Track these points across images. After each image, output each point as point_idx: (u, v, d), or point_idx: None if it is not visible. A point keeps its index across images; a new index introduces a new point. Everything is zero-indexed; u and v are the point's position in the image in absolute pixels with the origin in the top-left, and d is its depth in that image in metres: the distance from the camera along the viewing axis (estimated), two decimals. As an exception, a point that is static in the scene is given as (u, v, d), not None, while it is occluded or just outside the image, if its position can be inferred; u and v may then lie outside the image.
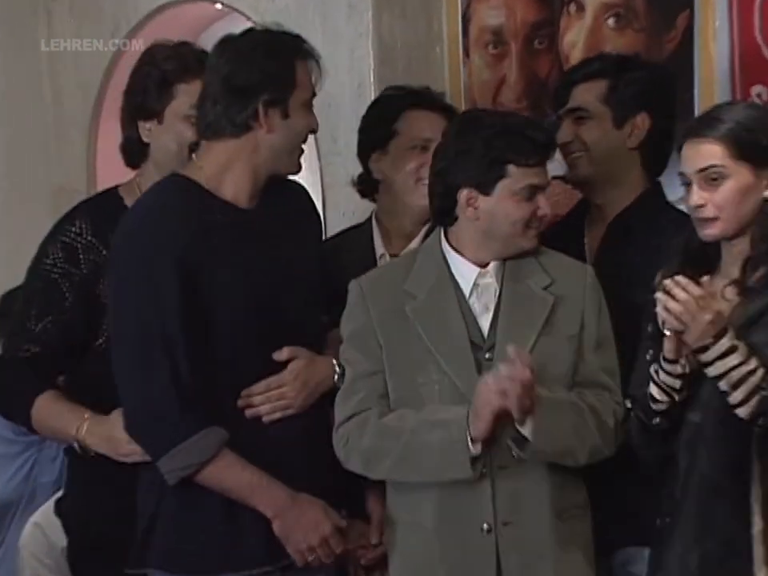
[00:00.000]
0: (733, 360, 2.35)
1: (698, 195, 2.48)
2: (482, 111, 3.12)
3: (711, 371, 2.37)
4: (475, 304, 2.69)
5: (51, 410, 2.84)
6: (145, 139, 2.93)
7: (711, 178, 2.47)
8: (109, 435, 2.77)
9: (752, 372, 2.35)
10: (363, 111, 3.28)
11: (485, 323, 2.68)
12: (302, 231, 2.82)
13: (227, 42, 2.75)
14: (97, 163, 4.47)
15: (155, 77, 2.90)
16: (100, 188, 3.83)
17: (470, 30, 3.90)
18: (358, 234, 3.19)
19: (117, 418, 2.74)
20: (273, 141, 2.68)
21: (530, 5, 3.77)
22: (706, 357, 2.36)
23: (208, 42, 4.22)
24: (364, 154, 3.16)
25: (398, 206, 3.12)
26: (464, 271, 2.72)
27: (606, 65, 3.00)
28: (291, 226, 2.78)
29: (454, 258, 2.73)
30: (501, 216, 2.67)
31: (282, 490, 2.64)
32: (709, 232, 2.50)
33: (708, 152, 2.48)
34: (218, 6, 4.21)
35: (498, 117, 2.80)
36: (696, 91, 3.38)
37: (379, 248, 3.14)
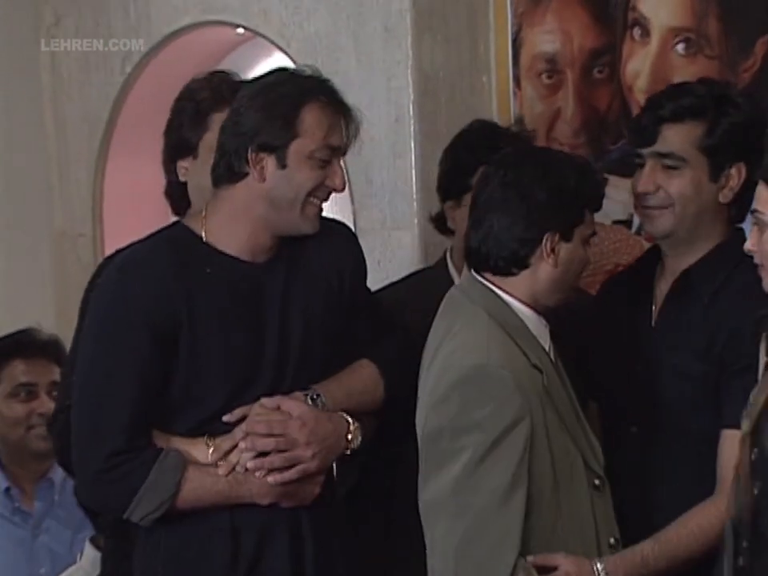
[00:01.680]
0: None
1: None
2: (543, 149, 3.09)
3: None
4: None
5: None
6: (182, 179, 2.88)
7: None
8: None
9: None
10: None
11: None
12: (327, 284, 2.72)
13: (248, 84, 2.71)
14: (104, 205, 4.38)
15: (190, 110, 2.86)
16: (107, 232, 3.69)
17: (520, 56, 3.84)
18: (435, 276, 3.15)
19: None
20: (267, 191, 2.58)
21: (588, 29, 3.71)
22: None
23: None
24: (440, 197, 3.15)
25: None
26: (540, 327, 2.65)
27: (705, 101, 2.73)
28: (312, 281, 2.68)
29: (524, 312, 2.64)
30: (576, 263, 2.63)
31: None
32: None
33: None
34: (240, 30, 4.18)
35: (567, 157, 2.75)
36: None
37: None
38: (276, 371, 2.63)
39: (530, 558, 2.50)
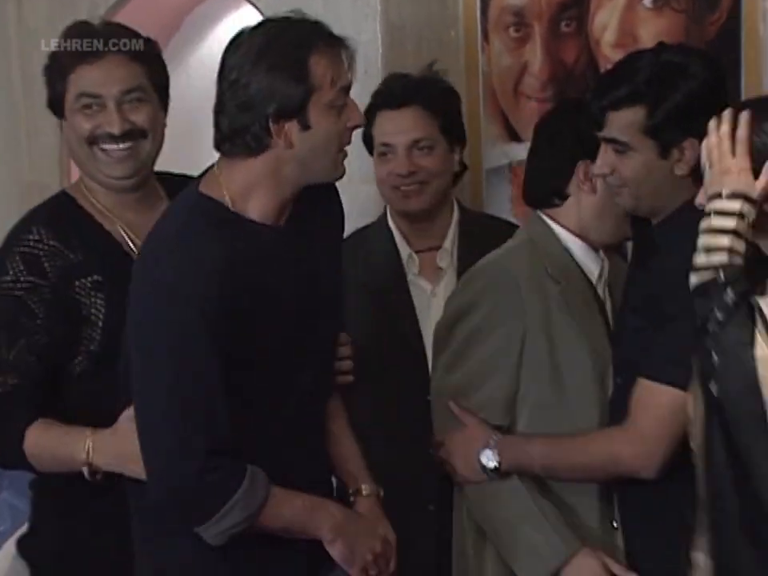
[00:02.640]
0: (723, 223, 2.37)
1: None
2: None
3: (704, 222, 2.40)
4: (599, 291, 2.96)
5: (47, 440, 2.73)
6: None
7: None
8: (119, 451, 2.67)
9: (724, 249, 2.37)
10: (370, 100, 3.19)
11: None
12: (331, 240, 2.71)
13: (237, 40, 2.54)
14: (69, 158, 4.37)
15: (53, 70, 2.85)
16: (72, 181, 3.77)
17: (488, 10, 3.83)
18: (375, 234, 3.28)
19: (123, 429, 2.63)
20: (296, 155, 2.50)
21: None
22: (710, 205, 2.40)
23: (192, 26, 4.37)
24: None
25: None
26: (588, 256, 2.95)
27: (639, 86, 2.74)
28: (322, 237, 2.66)
29: (571, 240, 2.94)
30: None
31: (335, 506, 2.61)
32: None
33: None
34: None
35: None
36: (742, 78, 3.30)
37: (404, 248, 3.29)
38: (311, 330, 2.62)
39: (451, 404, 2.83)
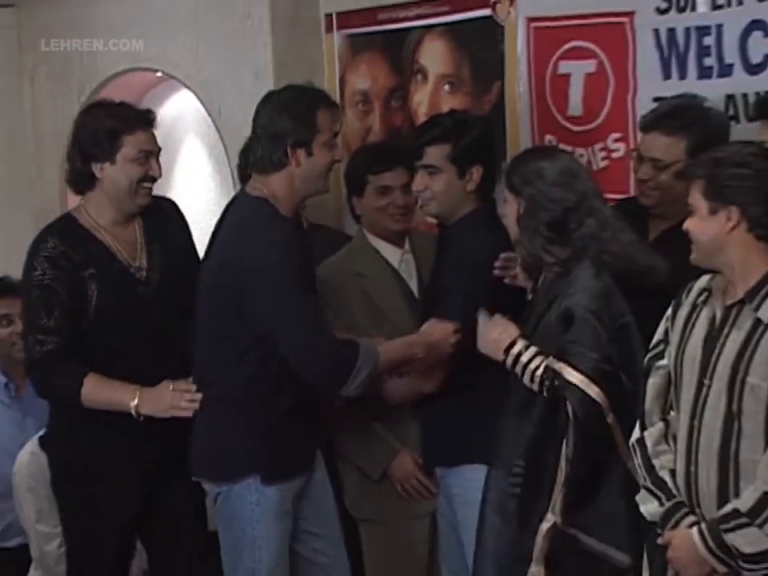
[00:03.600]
0: (523, 359, 2.46)
1: None
2: None
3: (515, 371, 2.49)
4: None
5: (102, 389, 2.79)
6: (98, 175, 2.87)
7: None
8: (157, 401, 2.76)
9: (537, 368, 2.43)
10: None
11: None
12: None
13: (269, 96, 2.77)
14: (67, 191, 4.22)
15: (104, 129, 2.84)
16: (69, 206, 3.77)
17: (345, 92, 3.98)
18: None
19: (160, 389, 2.75)
20: (303, 172, 2.68)
21: (388, 74, 3.85)
22: (507, 363, 2.49)
23: (151, 101, 4.36)
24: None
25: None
26: (388, 251, 3.09)
27: (447, 130, 2.88)
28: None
29: (377, 243, 3.10)
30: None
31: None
32: None
33: None
34: (159, 74, 4.27)
35: None
36: (507, 138, 3.48)
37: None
38: None
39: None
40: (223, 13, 3.96)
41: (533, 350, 2.44)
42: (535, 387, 2.43)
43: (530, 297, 2.69)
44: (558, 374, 2.40)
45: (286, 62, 3.88)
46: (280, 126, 2.66)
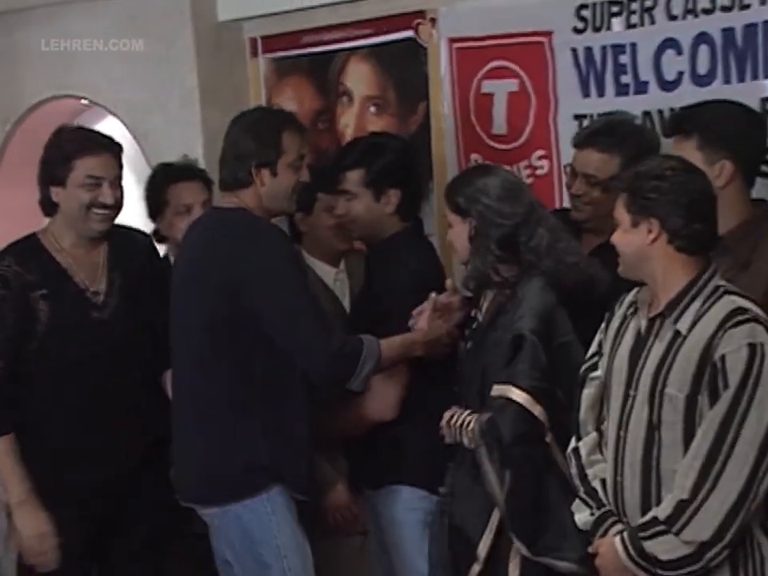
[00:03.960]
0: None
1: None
2: None
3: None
4: None
5: (3, 459, 2.79)
6: (54, 199, 2.90)
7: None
8: (31, 526, 2.78)
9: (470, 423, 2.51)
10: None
11: None
12: None
13: (240, 117, 2.80)
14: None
15: (59, 153, 2.87)
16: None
17: None
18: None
19: (43, 522, 2.77)
20: (268, 191, 2.68)
21: (314, 96, 3.86)
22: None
23: None
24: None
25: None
26: (323, 270, 3.15)
27: (362, 155, 2.92)
28: None
29: (312, 262, 3.14)
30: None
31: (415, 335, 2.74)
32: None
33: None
34: (84, 101, 4.24)
35: None
36: (433, 158, 3.53)
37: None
38: None
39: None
40: (147, 38, 3.94)
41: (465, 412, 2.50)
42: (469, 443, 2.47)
43: (474, 314, 2.68)
44: (498, 397, 2.41)
45: (213, 87, 3.90)
46: (244, 146, 2.68)
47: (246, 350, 2.62)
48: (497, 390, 2.42)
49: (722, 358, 2.09)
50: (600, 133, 2.80)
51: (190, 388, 2.69)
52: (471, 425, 2.48)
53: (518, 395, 2.38)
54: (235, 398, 2.63)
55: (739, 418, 2.07)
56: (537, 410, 2.38)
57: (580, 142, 2.84)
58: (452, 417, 2.52)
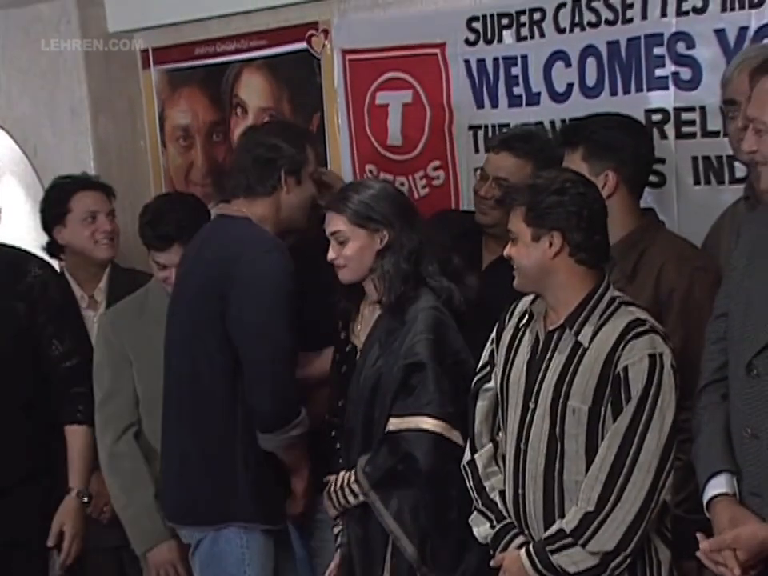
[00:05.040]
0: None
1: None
2: None
3: None
4: None
5: None
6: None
7: (339, 241, 2.48)
8: None
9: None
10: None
11: None
12: None
13: (252, 129, 2.83)
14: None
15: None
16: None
17: (165, 127, 3.96)
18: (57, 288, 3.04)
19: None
20: (290, 200, 2.66)
21: (208, 108, 3.84)
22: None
23: None
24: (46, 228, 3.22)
25: (83, 260, 3.20)
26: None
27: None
28: None
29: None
30: None
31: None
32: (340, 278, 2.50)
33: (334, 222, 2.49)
34: None
35: None
36: (329, 165, 3.47)
37: (78, 291, 3.23)
38: None
39: None
40: (34, 50, 3.88)
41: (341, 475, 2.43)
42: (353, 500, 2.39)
43: (345, 335, 2.59)
44: (406, 430, 2.33)
45: (103, 98, 3.90)
46: (275, 150, 2.65)
47: (229, 377, 2.60)
48: (406, 422, 2.34)
49: (625, 369, 2.08)
50: (517, 139, 2.80)
51: (192, 415, 2.65)
52: (353, 477, 2.41)
53: (433, 425, 2.33)
54: (221, 429, 2.63)
55: (642, 428, 2.07)
56: (454, 436, 2.33)
57: (496, 146, 2.83)
58: (329, 486, 2.46)
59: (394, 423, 2.35)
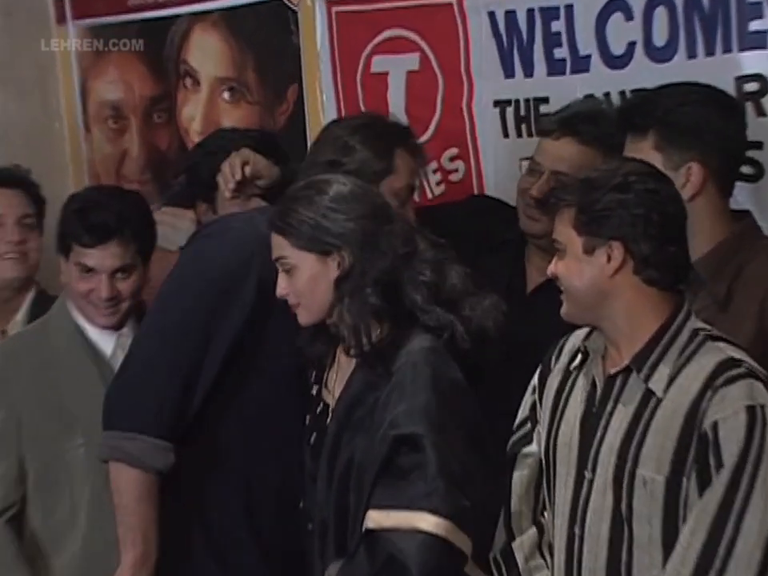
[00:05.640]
0: None
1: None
2: None
3: None
4: None
5: None
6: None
7: (285, 269, 2.39)
8: None
9: None
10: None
11: None
12: None
13: (335, 123, 2.82)
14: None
15: None
16: None
17: (88, 104, 4.03)
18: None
19: None
20: None
21: (146, 79, 3.94)
22: None
23: None
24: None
25: None
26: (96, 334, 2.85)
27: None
28: None
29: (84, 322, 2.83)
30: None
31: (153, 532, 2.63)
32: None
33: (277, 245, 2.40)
34: None
35: None
36: None
37: None
38: None
39: None
40: None
41: None
42: None
43: (316, 392, 2.50)
44: (394, 529, 2.18)
45: (2, 65, 3.92)
46: (342, 154, 2.64)
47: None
48: (393, 518, 2.19)
49: (714, 426, 2.07)
50: (584, 119, 2.79)
51: None
52: None
53: (434, 524, 2.17)
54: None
55: (739, 507, 2.05)
56: (460, 540, 2.19)
57: (553, 129, 2.81)
58: None
59: (375, 519, 2.21)
